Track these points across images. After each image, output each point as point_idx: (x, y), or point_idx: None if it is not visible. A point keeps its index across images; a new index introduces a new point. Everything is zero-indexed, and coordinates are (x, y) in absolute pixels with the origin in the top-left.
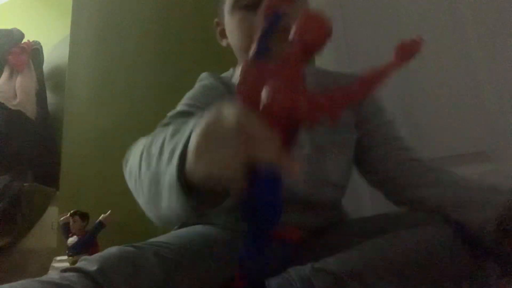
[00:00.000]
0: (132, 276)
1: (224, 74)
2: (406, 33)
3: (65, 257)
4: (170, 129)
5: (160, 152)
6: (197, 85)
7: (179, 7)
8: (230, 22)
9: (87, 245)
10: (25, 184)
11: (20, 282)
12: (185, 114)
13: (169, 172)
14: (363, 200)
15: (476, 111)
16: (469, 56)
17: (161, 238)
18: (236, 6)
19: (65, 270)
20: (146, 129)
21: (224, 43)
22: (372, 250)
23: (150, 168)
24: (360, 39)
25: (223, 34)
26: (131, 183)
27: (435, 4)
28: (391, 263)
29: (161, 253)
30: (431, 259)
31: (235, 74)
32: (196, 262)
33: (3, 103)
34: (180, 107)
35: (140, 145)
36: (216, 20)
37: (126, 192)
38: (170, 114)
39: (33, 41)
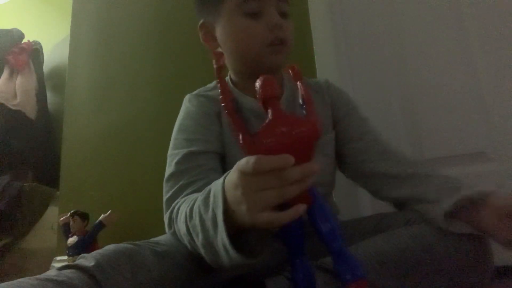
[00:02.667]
0: (130, 271)
1: (205, 89)
2: (406, 33)
3: (65, 257)
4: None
5: (202, 224)
6: (187, 111)
7: (179, 6)
8: (227, 26)
9: (87, 245)
10: (25, 184)
11: (17, 280)
12: (196, 154)
13: (220, 238)
14: (362, 200)
15: (476, 111)
16: (469, 56)
17: (159, 238)
18: (238, 12)
19: (62, 267)
20: (146, 129)
21: (212, 45)
22: (369, 248)
23: (199, 238)
24: (360, 39)
25: (209, 37)
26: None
27: (436, 3)
28: (387, 259)
29: (157, 249)
30: (425, 254)
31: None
32: (193, 260)
33: (3, 103)
34: (186, 144)
35: (182, 209)
36: (202, 21)
37: (126, 192)
38: (179, 153)
39: (33, 41)
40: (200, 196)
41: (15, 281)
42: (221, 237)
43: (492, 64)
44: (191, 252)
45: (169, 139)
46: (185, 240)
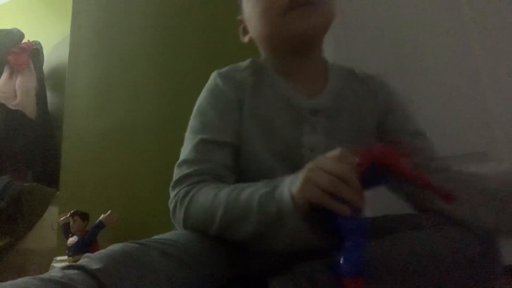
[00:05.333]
0: (136, 275)
1: (236, 67)
2: (407, 32)
3: (65, 257)
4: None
5: (261, 211)
6: (211, 90)
7: (179, 6)
8: (246, 10)
9: (87, 245)
10: (25, 184)
11: (20, 279)
12: (209, 143)
13: (287, 217)
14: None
15: (476, 111)
16: (470, 56)
17: (167, 235)
18: None
19: (67, 267)
20: (146, 129)
21: (246, 39)
22: (375, 250)
23: (250, 224)
24: (360, 39)
25: (245, 31)
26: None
27: (436, 4)
28: (393, 263)
29: (165, 250)
30: (432, 260)
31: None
32: (201, 261)
33: (3, 103)
34: (200, 130)
35: (203, 197)
36: (238, 17)
37: (126, 192)
38: (194, 138)
39: (33, 41)
40: (259, 188)
41: (18, 280)
42: (288, 208)
43: (493, 64)
44: (197, 250)
45: (169, 139)
46: (206, 223)
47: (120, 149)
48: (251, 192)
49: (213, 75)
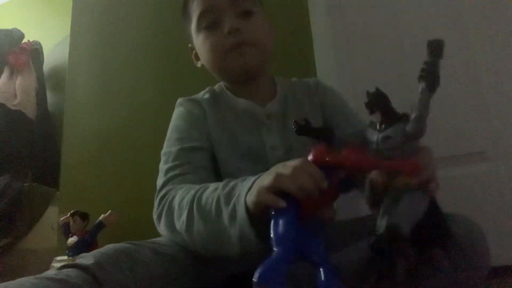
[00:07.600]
0: (129, 268)
1: (195, 96)
2: (406, 33)
3: (65, 257)
4: (211, 186)
5: (217, 210)
6: (178, 113)
7: (179, 7)
8: (196, 43)
9: (87, 245)
10: (25, 184)
11: (18, 280)
12: (187, 150)
13: (240, 223)
14: (362, 199)
15: (476, 111)
16: (469, 56)
17: (159, 238)
18: (199, 28)
19: (62, 267)
20: (146, 128)
21: (199, 64)
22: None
23: (208, 223)
24: (360, 40)
25: (197, 57)
26: (175, 233)
27: (435, 3)
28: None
29: (157, 249)
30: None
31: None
32: (194, 259)
33: (3, 103)
34: (178, 142)
35: (177, 197)
36: (189, 45)
37: (126, 192)
38: (172, 151)
39: (33, 41)
40: (219, 189)
41: (15, 281)
42: (241, 217)
43: (492, 63)
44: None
45: None
46: (180, 226)
47: (120, 149)
48: (210, 194)
49: (178, 101)
